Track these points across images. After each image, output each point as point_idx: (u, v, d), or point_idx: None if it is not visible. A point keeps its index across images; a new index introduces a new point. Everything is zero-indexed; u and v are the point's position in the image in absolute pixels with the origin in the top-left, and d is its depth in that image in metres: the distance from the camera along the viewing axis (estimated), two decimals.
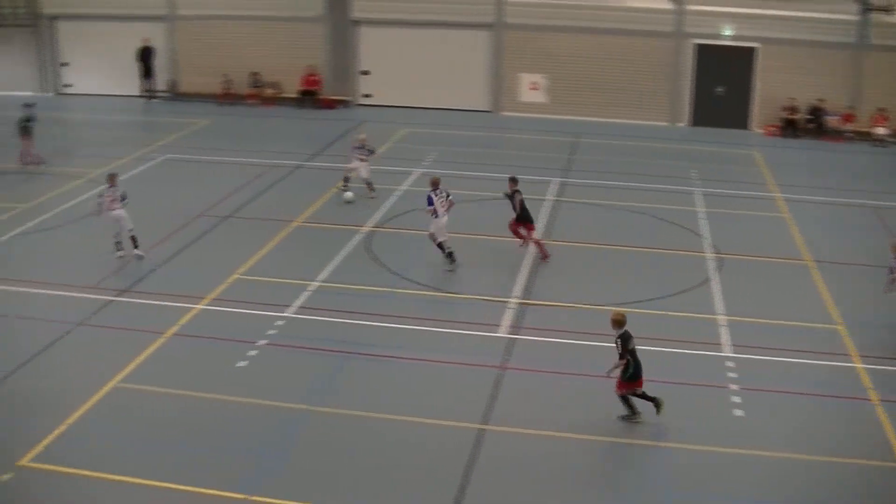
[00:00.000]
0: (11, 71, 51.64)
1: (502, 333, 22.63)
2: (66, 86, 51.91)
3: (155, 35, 49.27)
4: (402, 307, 23.96)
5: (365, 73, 47.93)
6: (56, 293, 25.17)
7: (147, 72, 49.51)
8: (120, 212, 27.23)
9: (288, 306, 23.96)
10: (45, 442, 18.08)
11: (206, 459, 17.59)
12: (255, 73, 48.43)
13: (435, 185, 27.26)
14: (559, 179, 35.02)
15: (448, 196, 27.13)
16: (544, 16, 44.96)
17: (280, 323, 23.08)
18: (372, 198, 32.67)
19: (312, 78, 47.75)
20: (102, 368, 20.80)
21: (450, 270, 26.78)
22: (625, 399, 19.01)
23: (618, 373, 18.69)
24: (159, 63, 49.61)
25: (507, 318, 23.37)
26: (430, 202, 26.73)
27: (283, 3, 47.64)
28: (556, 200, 32.63)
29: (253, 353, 21.56)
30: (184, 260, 27.59)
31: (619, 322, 18.78)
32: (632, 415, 19.08)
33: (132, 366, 20.96)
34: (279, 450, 17.98)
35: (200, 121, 44.81)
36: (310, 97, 47.79)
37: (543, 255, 27.86)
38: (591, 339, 22.03)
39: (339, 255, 27.50)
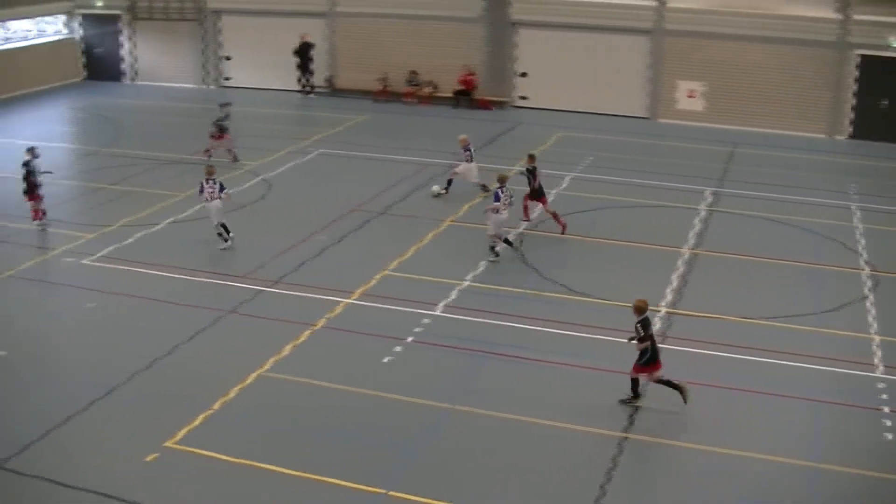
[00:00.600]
0: (176, 63, 52.94)
1: None
2: (226, 79, 52.99)
3: (314, 31, 49.94)
4: (550, 310, 23.78)
5: (522, 74, 47.84)
6: (208, 280, 25.72)
7: (305, 67, 50.21)
8: (217, 202, 27.92)
9: (436, 304, 24.02)
10: (192, 425, 18.49)
11: (346, 452, 17.71)
12: (411, 72, 48.70)
13: (503, 181, 27.83)
14: (714, 189, 34.42)
15: (511, 196, 27.93)
16: (704, 23, 44.23)
17: (427, 321, 23.14)
18: (484, 196, 32.60)
19: (469, 78, 47.83)
20: (250, 357, 21.18)
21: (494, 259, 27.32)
22: (634, 382, 19.62)
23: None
24: (318, 59, 50.25)
25: (656, 327, 23.03)
26: (497, 198, 27.29)
27: (442, 3, 47.78)
28: (710, 210, 32.09)
29: (399, 349, 21.67)
30: (335, 254, 27.88)
31: (640, 309, 19.54)
32: (633, 398, 19.65)
33: (280, 356, 21.27)
34: (420, 447, 18.04)
35: (356, 117, 45.25)
36: (465, 97, 47.88)
37: (562, 227, 29.15)
38: (739, 351, 21.68)
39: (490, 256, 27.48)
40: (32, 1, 52.12)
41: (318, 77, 50.46)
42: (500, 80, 47.85)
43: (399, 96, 48.89)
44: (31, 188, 29.51)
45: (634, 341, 19.41)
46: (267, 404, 19.42)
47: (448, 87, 48.32)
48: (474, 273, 26.11)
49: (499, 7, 46.96)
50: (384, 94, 48.81)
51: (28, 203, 29.54)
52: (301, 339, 22.14)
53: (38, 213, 29.59)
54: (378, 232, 29.85)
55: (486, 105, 47.30)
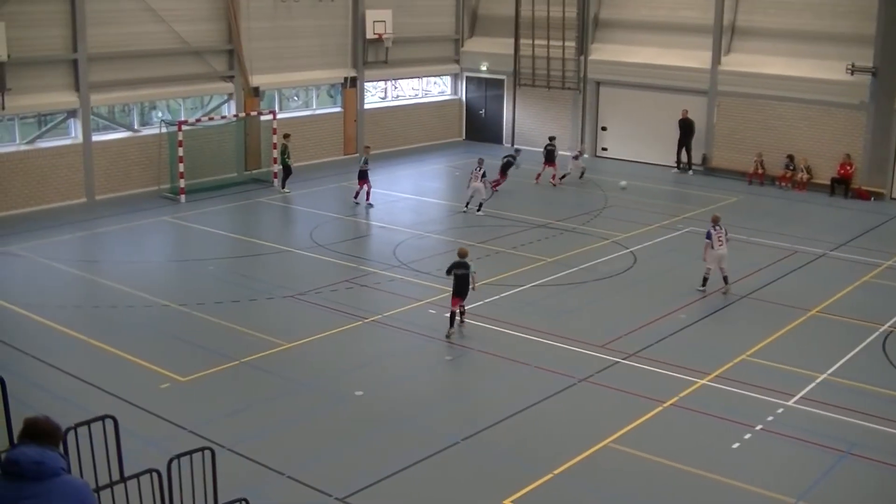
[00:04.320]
0: (554, 130, 54.23)
1: None
2: (602, 149, 53.78)
3: (693, 108, 50.01)
4: None
5: None
6: (565, 346, 26.15)
7: (685, 143, 50.32)
8: (478, 184, 35.18)
9: (791, 395, 23.48)
10: (530, 486, 18.82)
11: None
12: (789, 156, 47.93)
13: (715, 221, 30.90)
14: None
15: (727, 233, 30.92)
16: None
17: (780, 411, 22.67)
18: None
19: (847, 166, 46.62)
20: (597, 426, 21.39)
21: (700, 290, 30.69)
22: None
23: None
24: (696, 136, 50.27)
25: None
26: (709, 236, 30.65)
27: (826, 88, 46.83)
28: None
29: (748, 436, 21.33)
30: (694, 333, 27.78)
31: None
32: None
33: (627, 429, 21.36)
34: None
35: (729, 197, 44.90)
36: (842, 185, 46.66)
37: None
38: None
39: (852, 350, 26.54)
40: (423, 62, 54.75)
41: (695, 154, 50.42)
42: (881, 170, 46.37)
43: (774, 180, 48.18)
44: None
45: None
46: (608, 476, 19.53)
47: (825, 173, 47.21)
48: (834, 367, 25.38)
49: (885, 95, 45.60)
50: (759, 177, 48.24)
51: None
52: (650, 415, 22.17)
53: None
54: (739, 315, 29.51)
55: (864, 195, 45.92)
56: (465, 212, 39.72)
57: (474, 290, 27.04)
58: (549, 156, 46.56)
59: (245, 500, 14.48)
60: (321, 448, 20.38)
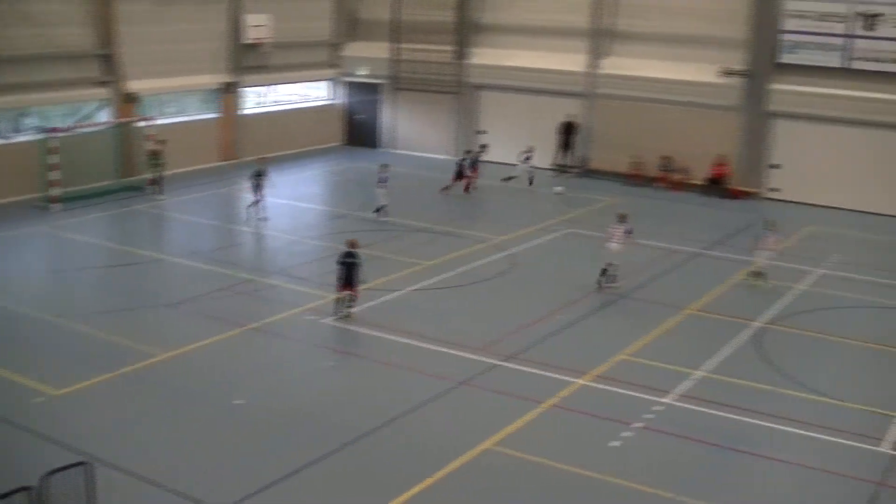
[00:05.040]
0: (432, 134, 54.35)
1: (885, 448, 21.55)
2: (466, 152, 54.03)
3: (572, 111, 50.52)
4: (783, 407, 23.22)
5: (775, 166, 47.14)
6: (444, 350, 26.17)
7: (566, 146, 50.74)
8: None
9: (668, 392, 23.80)
10: (415, 490, 18.82)
11: None
12: (666, 157, 48.63)
13: (621, 218, 32.02)
14: None
15: (629, 231, 31.67)
16: None
17: (659, 408, 22.94)
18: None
19: (722, 167, 47.43)
20: (479, 429, 21.43)
21: (603, 286, 31.47)
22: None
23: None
24: (575, 139, 50.76)
25: (893, 434, 22.26)
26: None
27: (700, 91, 47.68)
28: None
29: (627, 434, 21.55)
30: (573, 334, 28.00)
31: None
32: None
33: (508, 430, 21.44)
34: None
35: (607, 199, 45.35)
36: (717, 186, 47.47)
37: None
38: None
39: (727, 347, 27.08)
40: (301, 67, 54.44)
41: (575, 157, 50.86)
42: (753, 170, 47.30)
43: (651, 181, 48.85)
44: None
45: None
46: (489, 478, 19.58)
47: (700, 174, 48.01)
48: (710, 364, 25.78)
49: (756, 97, 46.53)
50: (636, 178, 48.84)
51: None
52: (531, 416, 22.28)
53: None
54: (618, 315, 29.87)
55: (737, 195, 46.76)
56: (379, 219, 39.56)
57: (363, 281, 28.01)
58: (473, 164, 46.41)
59: None
60: (203, 458, 20.11)
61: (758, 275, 33.12)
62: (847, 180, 45.45)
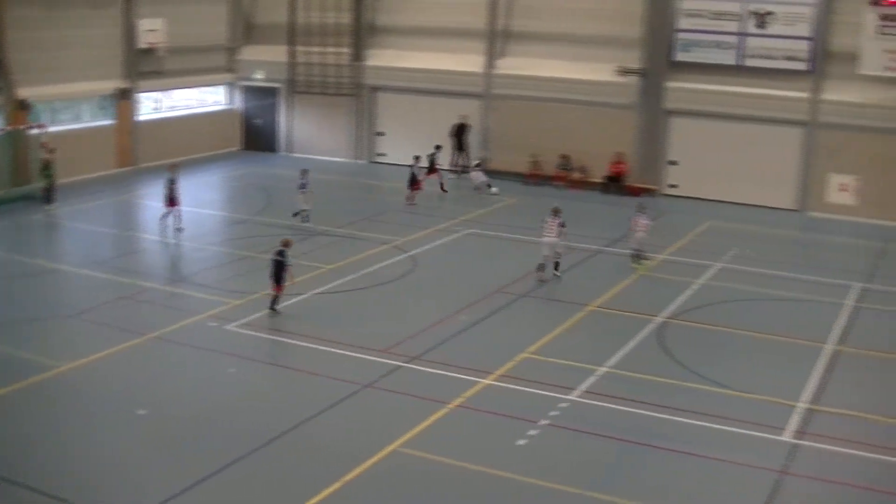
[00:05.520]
0: (330, 137, 54.12)
1: (786, 437, 21.90)
2: (379, 154, 53.96)
3: (469, 111, 50.66)
4: (688, 401, 23.48)
5: (672, 163, 47.71)
6: (348, 353, 26.04)
7: (460, 147, 50.84)
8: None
9: (573, 389, 23.93)
10: (322, 495, 18.69)
11: None
12: (564, 156, 48.97)
13: (554, 212, 32.90)
14: (861, 285, 33.68)
15: (563, 224, 32.68)
16: (859, 116, 43.52)
17: (564, 405, 23.06)
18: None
19: (620, 164, 47.89)
20: (384, 431, 21.36)
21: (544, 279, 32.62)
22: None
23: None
24: (471, 139, 50.87)
25: (794, 422, 22.62)
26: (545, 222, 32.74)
27: (597, 90, 48.10)
28: (857, 307, 31.43)
29: (534, 432, 21.63)
30: (476, 333, 28.03)
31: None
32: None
33: (413, 432, 21.40)
34: None
35: (506, 199, 45.51)
36: (615, 183, 47.92)
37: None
38: (882, 452, 21.16)
39: (630, 343, 27.33)
40: (197, 71, 53.88)
41: (472, 157, 50.98)
42: (651, 167, 47.82)
43: (550, 179, 49.13)
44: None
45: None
46: (398, 480, 19.52)
47: (599, 172, 48.41)
48: (614, 359, 26.00)
49: (653, 95, 47.05)
50: (535, 177, 49.08)
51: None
52: (436, 417, 22.26)
53: None
54: (520, 314, 29.97)
55: (636, 192, 47.20)
56: (304, 223, 39.04)
57: (292, 282, 29.16)
58: (431, 165, 46.16)
59: None
60: (109, 471, 19.72)
61: (637, 257, 34.34)
62: (742, 176, 46.12)
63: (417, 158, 45.07)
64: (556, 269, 33.05)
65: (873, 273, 35.37)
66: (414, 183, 44.11)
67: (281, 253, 28.80)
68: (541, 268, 32.80)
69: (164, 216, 38.11)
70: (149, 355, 25.82)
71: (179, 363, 25.51)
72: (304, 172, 39.91)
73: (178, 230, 37.65)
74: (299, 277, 31.30)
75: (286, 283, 28.91)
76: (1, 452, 20.27)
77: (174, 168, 38.69)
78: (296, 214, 39.31)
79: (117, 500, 18.48)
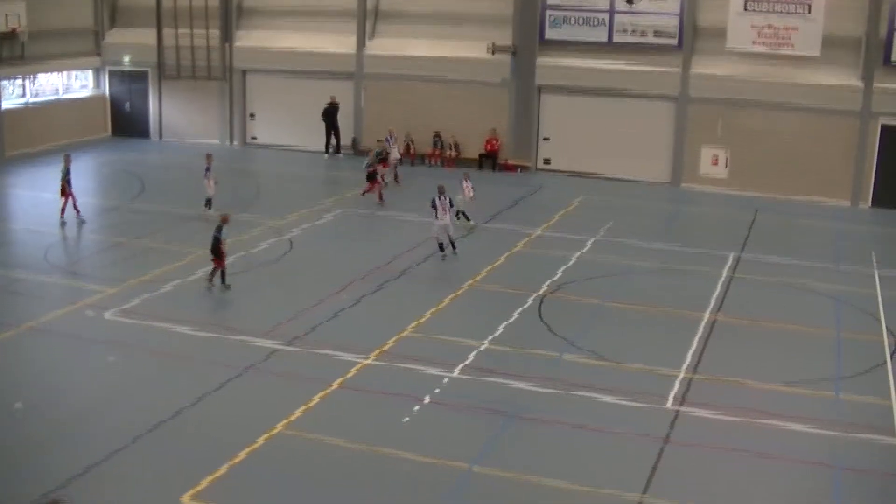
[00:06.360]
0: (202, 121, 53.42)
1: (668, 406, 22.22)
2: (252, 137, 53.43)
3: (341, 92, 50.39)
4: (569, 374, 23.73)
5: (546, 139, 48.04)
6: (228, 338, 25.77)
7: (331, 128, 50.55)
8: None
9: (455, 366, 23.97)
10: (208, 480, 18.48)
11: None
12: (437, 134, 49.00)
13: (441, 191, 33.01)
14: (735, 255, 34.33)
15: (451, 203, 33.40)
16: (729, 90, 44.32)
17: (446, 382, 23.09)
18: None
19: (493, 141, 48.06)
20: (268, 414, 21.17)
21: (442, 258, 32.95)
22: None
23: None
24: (344, 120, 50.63)
25: (675, 391, 22.95)
26: (434, 205, 32.72)
27: (469, 68, 48.18)
28: (731, 276, 32.01)
29: (417, 409, 21.62)
30: (355, 313, 27.92)
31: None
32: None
33: (297, 414, 21.26)
34: None
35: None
36: (490, 160, 48.07)
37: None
38: (759, 417, 21.60)
39: (509, 318, 27.46)
40: (62, 56, 52.68)
41: (344, 138, 50.74)
42: (525, 144, 48.06)
43: (424, 158, 49.12)
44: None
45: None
46: (284, 462, 19.38)
47: (473, 150, 48.53)
48: (493, 335, 26.10)
49: (525, 72, 47.27)
50: (409, 156, 48.99)
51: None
52: (319, 397, 22.13)
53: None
54: (398, 293, 29.91)
55: (510, 169, 47.46)
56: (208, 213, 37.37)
57: (217, 255, 29.46)
58: (382, 158, 44.51)
59: None
60: None
61: (464, 216, 37.04)
62: (616, 150, 46.64)
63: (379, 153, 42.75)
64: (454, 247, 33.19)
65: (745, 243, 36.02)
66: (374, 178, 41.18)
67: (218, 228, 29.30)
68: (442, 248, 32.96)
69: (63, 210, 36.72)
70: (25, 347, 25.21)
71: (57, 354, 24.94)
72: (209, 156, 38.75)
73: (81, 220, 36.69)
74: (174, 264, 30.96)
75: (220, 259, 29.42)
76: None
77: (67, 158, 37.32)
78: (209, 203, 38.03)
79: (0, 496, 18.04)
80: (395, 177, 44.56)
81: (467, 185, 37.24)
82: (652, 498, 18.36)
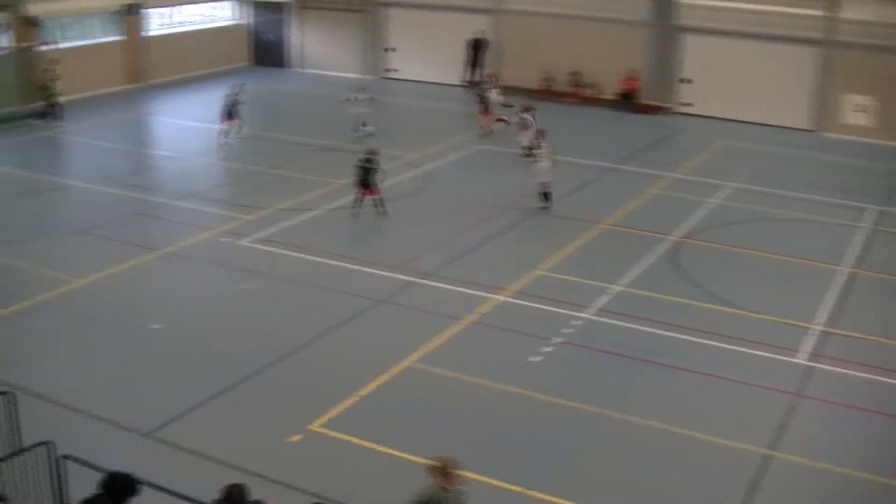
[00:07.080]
0: (341, 53, 53.68)
1: (801, 360, 21.86)
2: (388, 70, 53.57)
3: (479, 27, 50.14)
4: (702, 321, 23.44)
5: (686, 81, 47.29)
6: (362, 269, 26.07)
7: (475, 62, 50.43)
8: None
9: (587, 307, 23.92)
10: (337, 410, 18.82)
11: (487, 448, 17.76)
12: (575, 73, 48.58)
13: (541, 134, 33.40)
14: (878, 207, 33.32)
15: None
16: (877, 35, 42.94)
17: (577, 323, 23.07)
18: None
19: (632, 82, 47.49)
20: (399, 347, 21.44)
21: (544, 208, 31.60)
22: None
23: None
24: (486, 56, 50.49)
25: (808, 345, 22.57)
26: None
27: (609, 6, 47.50)
28: (874, 229, 31.18)
29: (547, 349, 21.65)
30: (489, 250, 27.98)
31: None
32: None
33: (428, 348, 21.47)
34: (562, 448, 17.96)
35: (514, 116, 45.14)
36: (628, 101, 47.53)
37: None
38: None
39: (643, 261, 27.24)
40: None
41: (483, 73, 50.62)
42: (664, 85, 47.38)
43: (561, 96, 48.76)
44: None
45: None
46: (412, 395, 19.62)
47: (611, 89, 48.03)
48: (627, 278, 25.93)
49: (666, 12, 46.52)
50: (546, 94, 48.67)
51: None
52: (450, 332, 22.29)
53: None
54: (533, 231, 29.90)
55: (649, 110, 46.88)
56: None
57: (377, 185, 30.20)
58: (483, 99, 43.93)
59: (50, 442, 14.03)
60: (123, 384, 19.85)
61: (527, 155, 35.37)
62: (757, 95, 45.63)
63: (481, 82, 43.63)
64: (546, 198, 32.08)
65: (890, 196, 34.99)
66: (486, 109, 41.91)
67: (369, 160, 29.99)
68: (544, 198, 31.99)
69: (223, 132, 38.19)
70: (163, 270, 25.86)
71: (193, 279, 25.55)
72: (362, 90, 40.31)
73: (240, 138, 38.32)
74: (311, 193, 31.33)
75: (377, 187, 30.24)
76: (19, 365, 20.32)
77: (240, 85, 38.72)
78: (365, 125, 39.20)
79: (132, 413, 18.51)
80: (498, 120, 43.74)
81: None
82: (780, 454, 18.12)
